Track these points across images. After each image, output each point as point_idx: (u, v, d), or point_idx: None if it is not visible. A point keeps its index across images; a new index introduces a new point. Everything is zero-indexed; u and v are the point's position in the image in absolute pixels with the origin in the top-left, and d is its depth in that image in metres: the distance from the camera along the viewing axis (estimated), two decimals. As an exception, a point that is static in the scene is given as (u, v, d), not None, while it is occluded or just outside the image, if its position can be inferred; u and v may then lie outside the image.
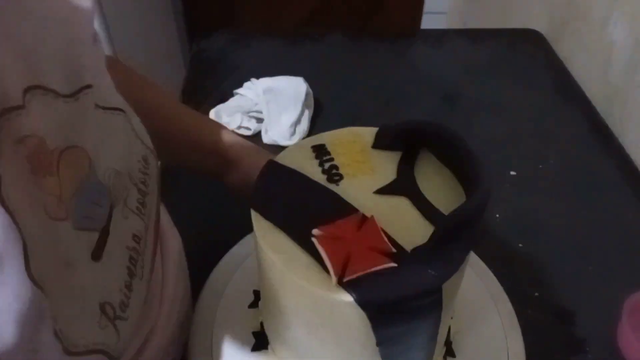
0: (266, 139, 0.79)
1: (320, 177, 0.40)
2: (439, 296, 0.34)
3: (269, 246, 0.35)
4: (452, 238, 0.34)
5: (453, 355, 0.45)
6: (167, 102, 0.60)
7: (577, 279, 0.62)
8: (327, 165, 0.41)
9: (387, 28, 1.91)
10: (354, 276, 0.32)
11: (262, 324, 0.46)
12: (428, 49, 1.04)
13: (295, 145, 0.43)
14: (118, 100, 0.44)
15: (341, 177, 0.40)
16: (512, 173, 0.75)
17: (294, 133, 0.79)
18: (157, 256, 0.45)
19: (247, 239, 0.55)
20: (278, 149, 0.78)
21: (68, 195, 0.34)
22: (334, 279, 0.32)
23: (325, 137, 0.43)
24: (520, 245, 0.66)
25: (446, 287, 0.34)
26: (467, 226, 0.35)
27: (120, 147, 0.42)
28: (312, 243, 0.34)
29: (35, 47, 0.34)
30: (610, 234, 0.67)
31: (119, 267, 0.38)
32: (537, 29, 1.08)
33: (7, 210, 0.28)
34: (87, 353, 0.32)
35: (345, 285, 0.32)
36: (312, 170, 0.40)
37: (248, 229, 0.41)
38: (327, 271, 0.33)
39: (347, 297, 0.32)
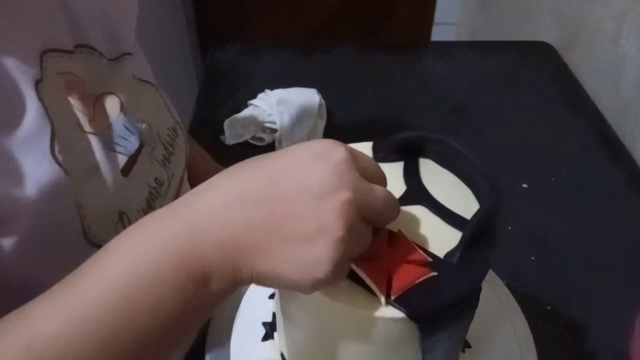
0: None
1: None
2: (478, 295, 0.35)
3: None
4: (479, 238, 0.35)
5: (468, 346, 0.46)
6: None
7: (588, 292, 0.62)
8: None
9: (397, 39, 1.92)
10: (400, 292, 0.32)
11: (282, 355, 0.45)
12: (438, 61, 1.05)
13: None
14: (150, 77, 0.52)
15: None
16: (524, 185, 0.75)
17: (306, 144, 0.80)
18: None
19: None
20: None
21: (102, 125, 0.42)
22: (382, 299, 0.32)
23: None
24: (532, 258, 0.66)
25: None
26: (490, 225, 0.36)
27: (151, 111, 0.49)
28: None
29: (83, 14, 0.43)
30: (622, 247, 0.68)
31: (139, 193, 0.44)
32: (547, 41, 1.08)
33: (43, 104, 0.36)
34: None
35: (394, 302, 0.32)
36: None
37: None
38: (369, 292, 0.33)
39: (398, 314, 0.32)
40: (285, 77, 0.93)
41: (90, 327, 0.27)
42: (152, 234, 0.29)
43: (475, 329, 0.47)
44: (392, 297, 0.32)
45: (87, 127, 0.40)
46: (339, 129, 0.85)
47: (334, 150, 0.30)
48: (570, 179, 0.77)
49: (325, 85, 0.89)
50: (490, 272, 0.54)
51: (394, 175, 0.41)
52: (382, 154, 0.43)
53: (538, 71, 1.01)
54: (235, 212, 0.29)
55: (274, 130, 0.82)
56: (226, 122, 0.82)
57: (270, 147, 0.81)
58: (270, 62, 1.03)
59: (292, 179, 0.29)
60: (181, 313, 0.29)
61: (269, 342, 0.47)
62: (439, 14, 1.79)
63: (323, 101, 0.84)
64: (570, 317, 0.60)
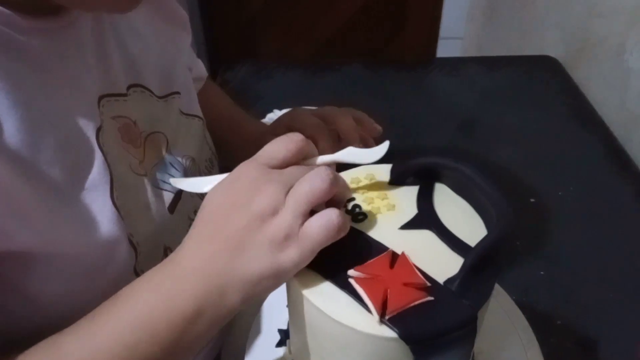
0: (289, 168, 0.81)
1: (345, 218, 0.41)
2: (475, 324, 0.35)
3: (307, 289, 0.36)
4: (481, 267, 0.35)
5: None
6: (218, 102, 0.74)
7: (598, 307, 0.63)
8: (349, 205, 0.42)
9: (403, 53, 1.94)
10: (395, 313, 0.33)
11: None
12: (445, 77, 1.06)
13: None
14: (197, 110, 0.57)
15: (365, 215, 0.41)
16: (532, 200, 0.76)
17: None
18: None
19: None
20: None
21: (150, 164, 0.47)
22: (376, 316, 0.33)
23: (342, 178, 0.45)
24: (541, 272, 0.66)
25: (479, 314, 0.35)
26: (494, 254, 0.36)
27: (194, 144, 0.54)
28: (349, 283, 0.35)
29: (139, 56, 0.49)
30: (631, 262, 0.68)
31: (182, 227, 0.49)
32: (553, 55, 1.09)
33: (103, 152, 0.41)
34: None
35: (388, 321, 0.33)
36: None
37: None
38: (367, 310, 0.34)
39: (391, 333, 0.33)
40: (295, 96, 0.94)
41: (106, 357, 0.34)
42: (147, 286, 0.36)
43: (483, 345, 0.48)
44: (387, 317, 0.34)
45: (137, 169, 0.45)
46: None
47: (244, 173, 0.37)
48: (578, 193, 0.78)
49: (335, 103, 0.90)
50: (499, 288, 0.55)
51: (407, 198, 0.42)
52: (400, 177, 0.44)
53: (544, 85, 1.02)
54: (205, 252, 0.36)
55: (284, 150, 0.83)
56: (237, 142, 0.84)
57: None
58: (280, 82, 1.05)
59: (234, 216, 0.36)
60: (175, 345, 0.35)
61: (282, 349, 0.49)
62: (445, 28, 1.80)
63: (332, 120, 0.85)
64: (581, 332, 0.60)
